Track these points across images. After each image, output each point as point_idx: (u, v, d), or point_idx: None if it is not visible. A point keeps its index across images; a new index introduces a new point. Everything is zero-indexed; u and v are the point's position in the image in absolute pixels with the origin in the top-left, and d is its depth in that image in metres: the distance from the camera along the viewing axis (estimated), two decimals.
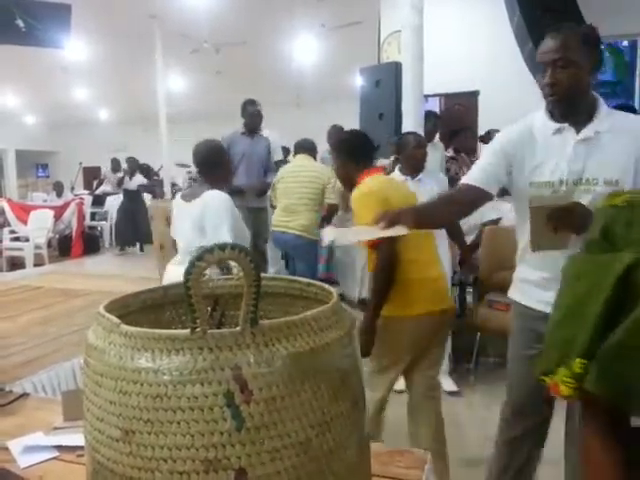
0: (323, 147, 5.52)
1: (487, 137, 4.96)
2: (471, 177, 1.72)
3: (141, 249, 8.82)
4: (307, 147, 4.66)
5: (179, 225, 2.59)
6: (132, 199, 8.69)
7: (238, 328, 0.67)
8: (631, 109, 4.64)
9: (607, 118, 1.60)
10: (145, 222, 9.01)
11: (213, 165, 2.55)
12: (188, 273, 0.63)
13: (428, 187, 3.25)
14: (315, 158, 4.86)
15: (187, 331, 0.66)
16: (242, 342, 0.67)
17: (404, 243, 2.06)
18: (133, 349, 0.68)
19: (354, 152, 2.35)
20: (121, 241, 9.02)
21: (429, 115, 4.48)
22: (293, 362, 0.69)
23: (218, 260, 0.64)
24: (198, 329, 0.66)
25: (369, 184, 2.24)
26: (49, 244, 8.49)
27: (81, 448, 1.22)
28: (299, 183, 4.24)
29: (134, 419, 0.67)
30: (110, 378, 0.69)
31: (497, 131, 4.82)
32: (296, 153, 4.67)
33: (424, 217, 1.64)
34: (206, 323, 0.66)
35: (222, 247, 0.63)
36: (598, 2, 5.22)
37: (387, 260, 2.05)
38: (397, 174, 3.43)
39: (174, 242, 2.74)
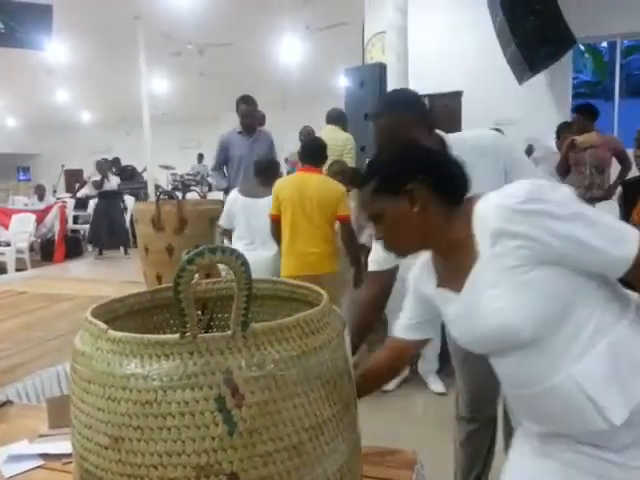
0: None
1: None
2: None
3: (125, 252, 8.71)
4: (334, 117, 4.68)
5: (257, 215, 3.34)
6: (111, 200, 8.56)
7: (229, 332, 0.67)
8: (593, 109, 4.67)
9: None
10: (123, 224, 8.89)
11: (271, 171, 3.49)
12: (178, 277, 0.62)
13: None
14: (345, 128, 4.72)
15: (177, 336, 0.65)
16: (233, 346, 0.66)
17: (283, 227, 3.10)
18: (121, 355, 0.67)
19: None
20: (96, 244, 8.91)
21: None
22: (285, 365, 0.68)
23: (209, 263, 0.63)
24: (188, 333, 0.65)
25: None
26: (31, 248, 8.35)
27: (67, 456, 1.20)
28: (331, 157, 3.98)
29: (123, 426, 0.66)
30: (98, 385, 0.68)
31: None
32: (327, 123, 4.71)
33: None
34: (196, 327, 0.65)
35: (213, 250, 0.62)
36: (578, 4, 5.29)
37: (273, 234, 3.19)
38: None
39: (227, 232, 3.53)
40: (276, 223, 3.14)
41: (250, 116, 4.36)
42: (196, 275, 1.01)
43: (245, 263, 0.64)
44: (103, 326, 0.71)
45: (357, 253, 3.19)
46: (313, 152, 3.18)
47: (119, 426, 0.66)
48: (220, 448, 0.64)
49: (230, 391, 0.64)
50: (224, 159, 4.44)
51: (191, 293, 0.64)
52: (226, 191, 4.34)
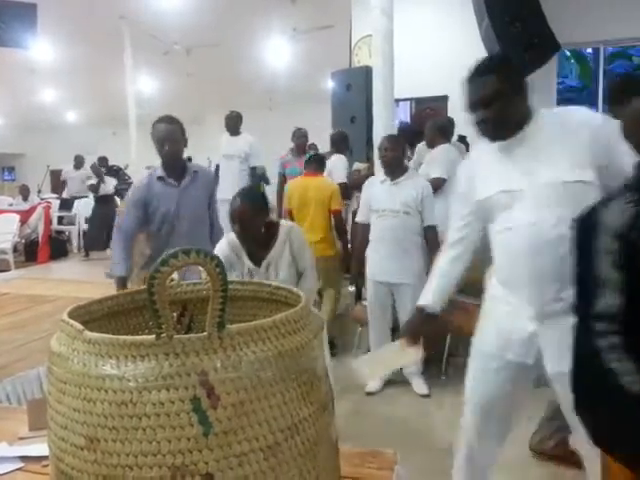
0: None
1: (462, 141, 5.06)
2: None
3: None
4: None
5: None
6: (107, 203, 8.43)
7: (205, 333, 0.67)
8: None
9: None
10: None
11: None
12: (152, 278, 0.62)
13: (404, 192, 3.23)
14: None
15: (152, 337, 0.65)
16: (209, 347, 0.66)
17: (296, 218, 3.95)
18: (97, 356, 0.67)
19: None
20: (90, 247, 8.80)
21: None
22: (261, 366, 0.69)
23: (183, 265, 0.63)
24: (164, 334, 0.65)
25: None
26: (15, 249, 8.26)
27: (46, 458, 1.19)
28: None
29: (99, 427, 0.66)
30: (74, 385, 0.68)
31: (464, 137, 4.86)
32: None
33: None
34: (172, 328, 0.66)
35: (187, 252, 0.63)
36: (563, 11, 5.36)
37: None
38: (381, 176, 3.39)
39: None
40: (289, 214, 4.13)
41: (171, 156, 2.71)
42: (175, 276, 1.02)
43: (220, 264, 0.65)
44: (79, 327, 0.71)
45: (345, 238, 4.15)
46: (315, 163, 4.22)
47: (95, 427, 0.66)
48: (195, 449, 0.65)
49: (206, 392, 0.65)
50: (136, 221, 2.75)
51: (165, 294, 0.64)
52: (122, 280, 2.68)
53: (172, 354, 0.65)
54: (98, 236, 8.40)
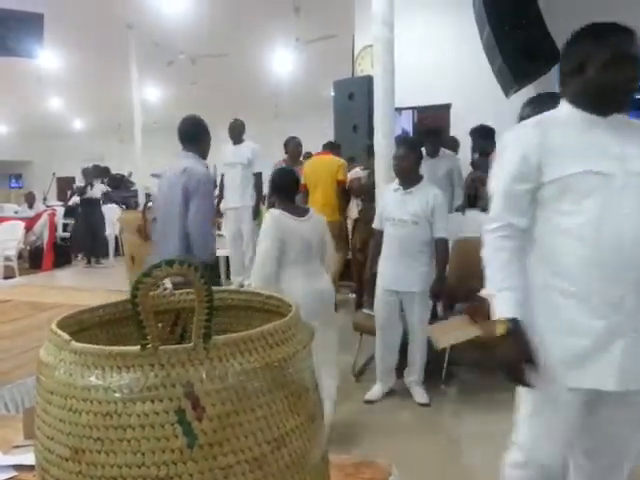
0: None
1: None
2: None
3: (98, 262, 8.61)
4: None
5: None
6: (93, 207, 8.50)
7: (191, 344, 0.67)
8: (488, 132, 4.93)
9: None
10: (102, 233, 8.79)
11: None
12: (136, 289, 0.62)
13: (415, 202, 3.21)
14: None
15: (137, 347, 0.65)
16: (195, 358, 0.66)
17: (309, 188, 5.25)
18: (83, 366, 0.67)
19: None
20: (78, 252, 8.88)
21: (429, 133, 5.06)
22: (247, 377, 0.68)
23: (166, 276, 0.63)
24: (149, 345, 0.65)
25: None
26: (19, 256, 8.31)
27: None
28: None
29: (84, 437, 0.66)
30: (60, 396, 0.68)
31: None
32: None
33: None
34: (157, 339, 0.65)
35: (170, 262, 0.63)
36: (565, 20, 5.36)
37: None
38: (394, 184, 3.36)
39: None
40: (305, 189, 5.00)
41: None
42: (169, 285, 1.02)
43: (204, 274, 0.65)
44: (66, 337, 0.71)
45: (344, 203, 5.33)
46: (330, 147, 5.48)
47: (80, 437, 0.66)
48: (180, 460, 0.64)
49: (190, 403, 0.64)
50: None
51: (150, 305, 0.64)
52: None
53: (157, 365, 0.65)
54: (84, 240, 8.47)
